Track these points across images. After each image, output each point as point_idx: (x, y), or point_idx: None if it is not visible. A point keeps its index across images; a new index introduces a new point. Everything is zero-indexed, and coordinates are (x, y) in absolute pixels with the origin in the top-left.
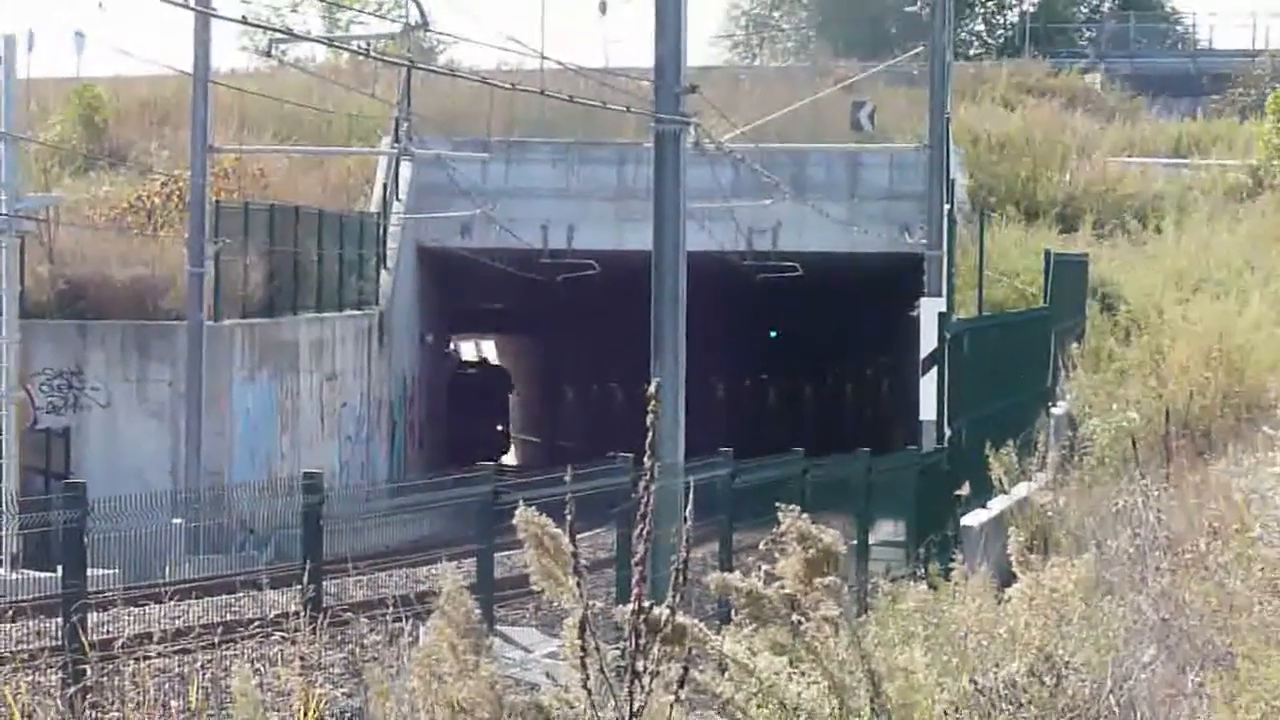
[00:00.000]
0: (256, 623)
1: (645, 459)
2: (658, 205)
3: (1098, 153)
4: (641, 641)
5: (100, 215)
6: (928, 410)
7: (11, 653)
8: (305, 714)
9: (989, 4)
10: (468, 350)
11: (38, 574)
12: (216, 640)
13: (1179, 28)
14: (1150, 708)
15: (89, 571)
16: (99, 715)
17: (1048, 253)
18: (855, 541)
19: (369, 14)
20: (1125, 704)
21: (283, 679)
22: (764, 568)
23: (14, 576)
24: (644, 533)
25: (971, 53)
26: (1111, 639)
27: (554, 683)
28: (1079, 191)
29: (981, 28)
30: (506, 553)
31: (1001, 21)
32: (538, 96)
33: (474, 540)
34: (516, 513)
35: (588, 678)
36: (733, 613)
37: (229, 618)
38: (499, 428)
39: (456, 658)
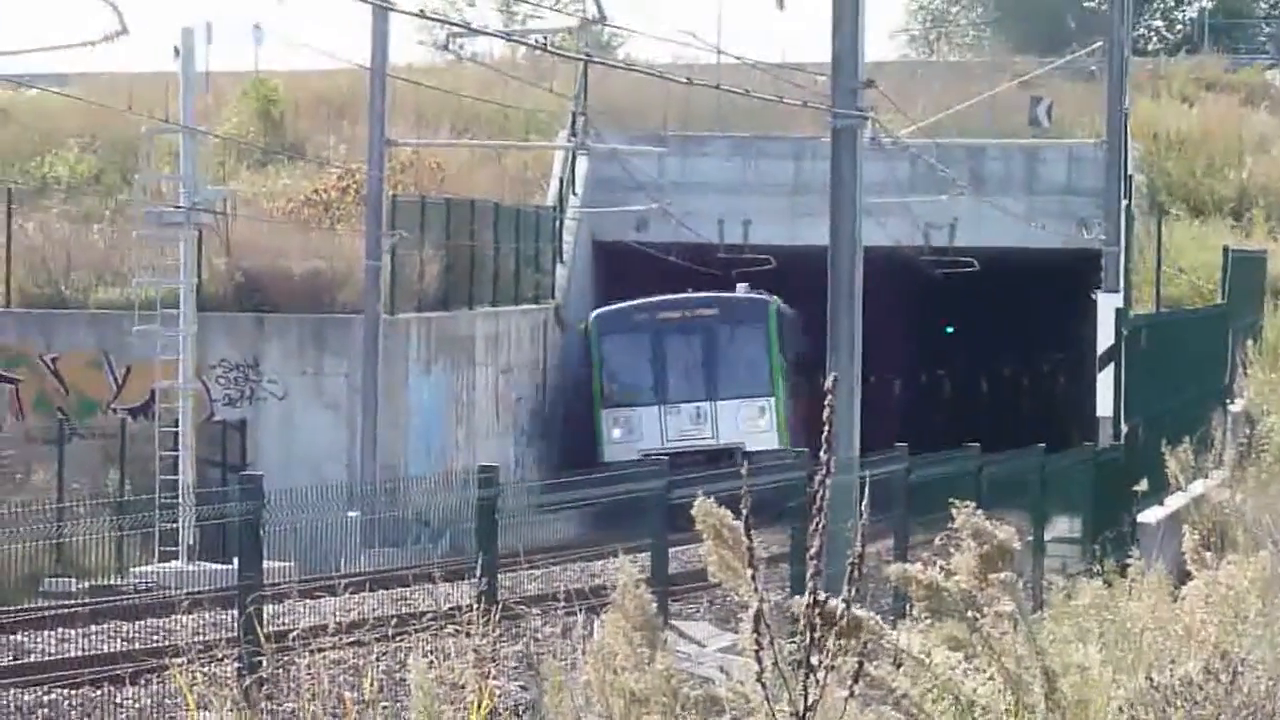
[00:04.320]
0: (430, 615)
1: (821, 453)
2: (834, 200)
3: (1276, 149)
4: (817, 635)
5: (277, 208)
6: (1104, 406)
7: (188, 643)
8: (479, 706)
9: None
10: None
11: (214, 565)
12: (391, 632)
13: None
14: None
15: (265, 563)
16: (274, 706)
17: (1226, 249)
18: (1031, 538)
19: (546, 8)
20: None
21: (457, 671)
22: (939, 563)
23: (191, 568)
24: (820, 526)
25: (1150, 48)
26: None
27: (728, 676)
28: (1255, 188)
29: (1160, 23)
30: (681, 547)
31: (1180, 17)
32: (713, 91)
33: (648, 534)
34: (694, 505)
35: (763, 671)
36: (908, 608)
37: (403, 610)
38: None
39: (632, 650)
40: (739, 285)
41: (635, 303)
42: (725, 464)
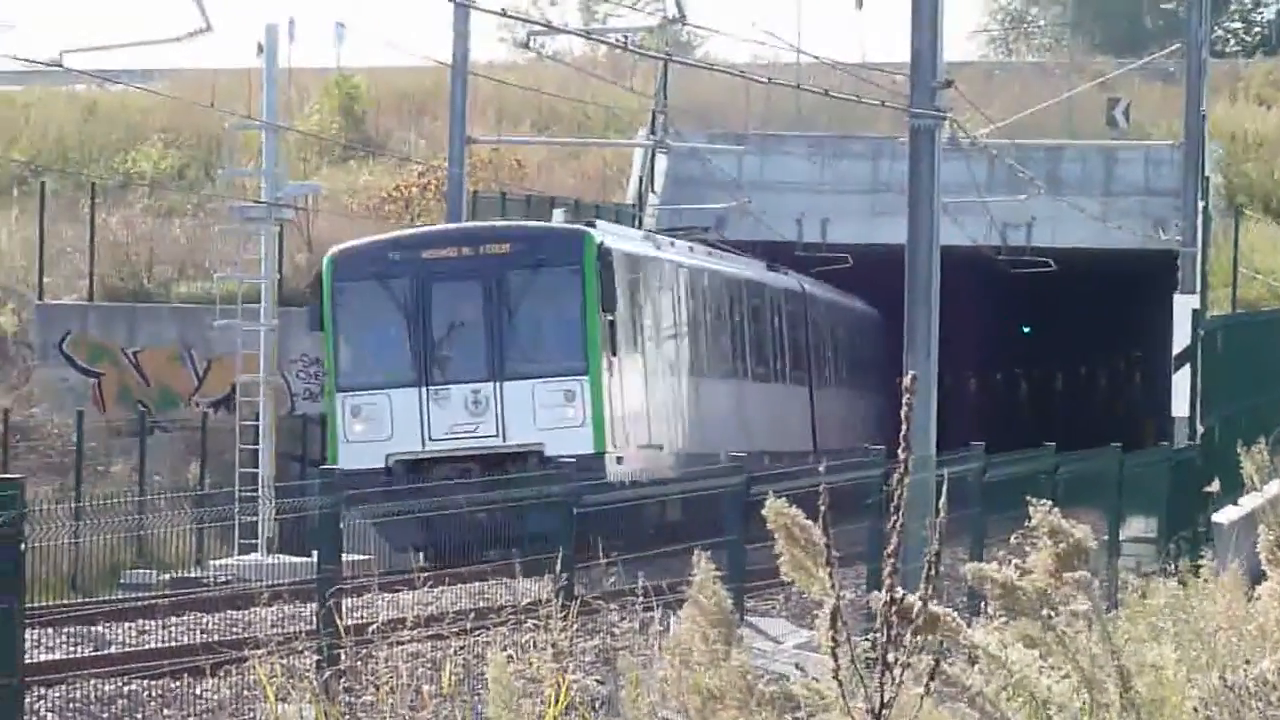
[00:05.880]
0: (509, 610)
1: (899, 451)
2: (912, 199)
3: None
4: (894, 632)
5: (358, 204)
6: (1180, 406)
7: (267, 636)
8: (557, 700)
9: (1246, 1)
10: None
11: (293, 558)
12: (469, 626)
13: None
14: None
15: (344, 556)
16: (353, 698)
17: None
18: (1106, 537)
19: (626, 7)
20: None
21: (535, 665)
22: (1015, 561)
23: (270, 561)
24: (897, 524)
25: (1228, 50)
26: None
27: (803, 673)
28: None
29: (1238, 25)
30: (759, 544)
31: (1259, 19)
32: (792, 90)
33: (726, 531)
34: (766, 504)
35: (839, 668)
36: (983, 605)
37: (482, 604)
38: None
39: (708, 647)
40: (555, 212)
41: (391, 236)
42: (514, 471)
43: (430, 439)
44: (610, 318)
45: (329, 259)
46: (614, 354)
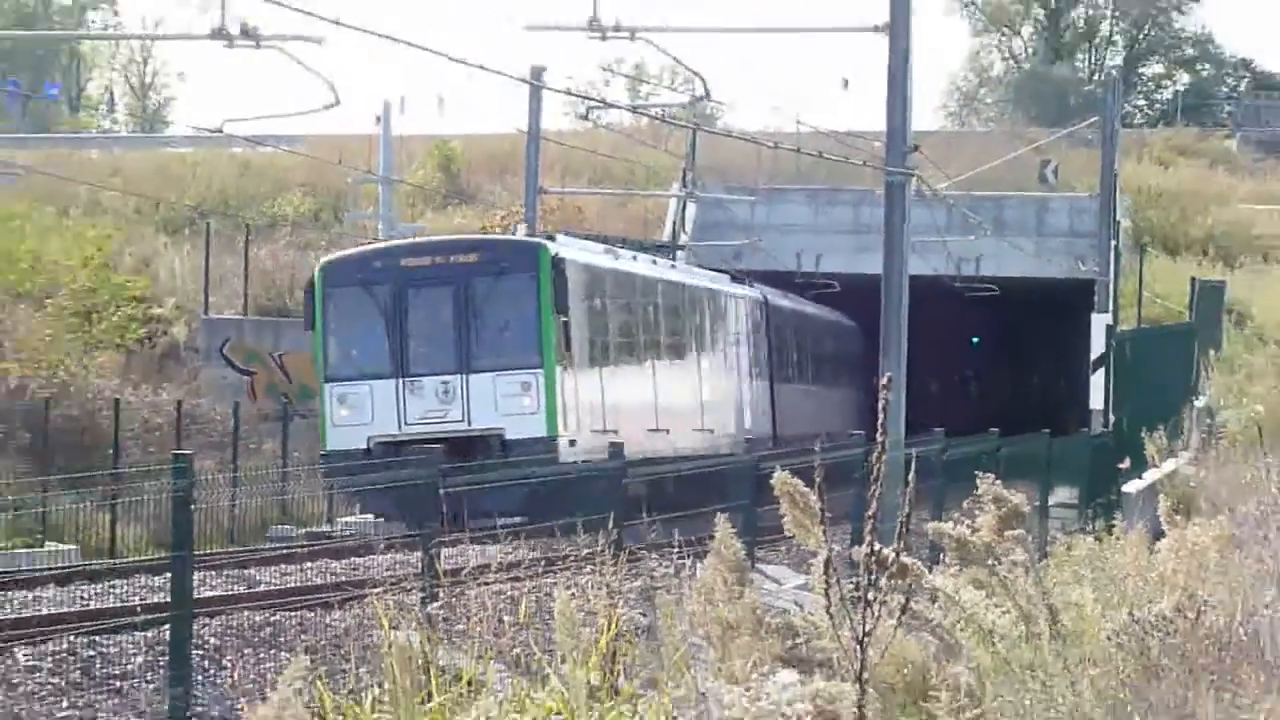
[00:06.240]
0: (571, 559)
1: (878, 435)
2: (887, 238)
3: (1235, 201)
4: (873, 577)
5: None
6: (1096, 401)
7: (382, 578)
8: (608, 629)
9: (1149, 84)
10: None
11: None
12: (540, 571)
13: None
14: (1271, 637)
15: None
16: (449, 627)
17: (1193, 280)
18: (1038, 503)
19: (663, 87)
20: (1252, 634)
21: (591, 601)
22: (966, 522)
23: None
24: (876, 492)
25: (1135, 122)
26: (1241, 583)
27: (801, 609)
28: (1217, 233)
29: (1144, 102)
30: (767, 507)
31: (1160, 97)
32: (794, 153)
33: (740, 497)
34: (774, 476)
35: (830, 605)
36: (942, 556)
37: (550, 554)
38: None
39: (726, 588)
40: (518, 228)
41: (374, 246)
42: (481, 455)
43: (405, 423)
44: (564, 319)
45: (320, 267)
46: (568, 350)
